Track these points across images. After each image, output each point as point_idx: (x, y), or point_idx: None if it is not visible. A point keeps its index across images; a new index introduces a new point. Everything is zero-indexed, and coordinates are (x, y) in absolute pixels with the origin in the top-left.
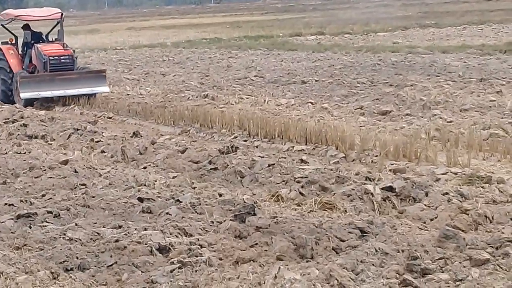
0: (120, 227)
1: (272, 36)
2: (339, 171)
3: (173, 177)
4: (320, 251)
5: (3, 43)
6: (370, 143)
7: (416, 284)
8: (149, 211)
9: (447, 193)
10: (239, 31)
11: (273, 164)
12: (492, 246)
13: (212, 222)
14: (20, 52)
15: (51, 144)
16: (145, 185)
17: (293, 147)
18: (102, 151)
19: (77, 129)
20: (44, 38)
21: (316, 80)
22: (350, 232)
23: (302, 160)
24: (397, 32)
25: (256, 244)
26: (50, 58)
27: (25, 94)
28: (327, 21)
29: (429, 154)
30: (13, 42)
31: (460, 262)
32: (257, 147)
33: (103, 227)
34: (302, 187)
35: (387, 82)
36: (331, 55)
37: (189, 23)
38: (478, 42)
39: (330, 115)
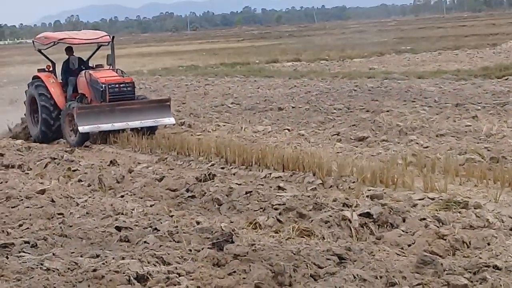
0: (97, 256)
1: (249, 63)
2: (317, 198)
3: (151, 206)
4: (298, 278)
5: (39, 70)
6: (347, 169)
7: None
8: (126, 239)
9: (424, 219)
10: (215, 58)
11: (251, 192)
12: (469, 271)
13: (190, 250)
14: (60, 81)
15: (28, 173)
16: (122, 213)
17: (270, 174)
18: (79, 180)
19: (54, 158)
20: (86, 63)
21: (293, 107)
22: (328, 259)
23: (279, 187)
24: (373, 58)
25: (234, 272)
26: (109, 86)
27: (83, 128)
28: (303, 48)
29: (406, 179)
30: (50, 69)
31: None
32: (234, 174)
33: (81, 256)
34: (279, 214)
35: (364, 108)
36: (308, 82)
37: (166, 51)
38: (453, 67)
39: (307, 141)
